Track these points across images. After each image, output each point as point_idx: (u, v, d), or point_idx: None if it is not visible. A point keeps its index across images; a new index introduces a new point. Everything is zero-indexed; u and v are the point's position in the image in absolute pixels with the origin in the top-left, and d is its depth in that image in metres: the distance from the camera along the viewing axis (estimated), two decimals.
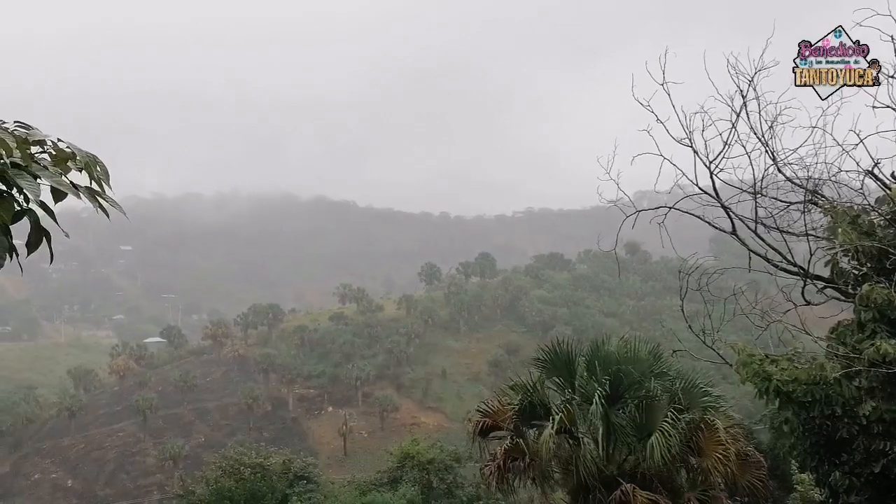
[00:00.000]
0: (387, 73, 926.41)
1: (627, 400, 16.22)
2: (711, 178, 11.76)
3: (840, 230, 11.55)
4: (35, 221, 4.05)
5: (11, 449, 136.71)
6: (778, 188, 12.07)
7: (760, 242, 12.09)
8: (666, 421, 15.17)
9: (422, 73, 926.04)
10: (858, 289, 11.30)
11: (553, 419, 15.61)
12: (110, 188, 4.24)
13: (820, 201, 12.17)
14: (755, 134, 11.48)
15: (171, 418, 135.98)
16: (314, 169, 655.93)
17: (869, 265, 11.72)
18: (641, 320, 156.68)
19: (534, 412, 16.79)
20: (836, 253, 11.92)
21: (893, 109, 10.66)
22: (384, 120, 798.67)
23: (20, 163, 3.90)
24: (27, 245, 4.13)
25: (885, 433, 11.22)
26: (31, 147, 4.05)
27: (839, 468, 11.79)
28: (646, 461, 15.30)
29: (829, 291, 12.34)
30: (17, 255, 4.07)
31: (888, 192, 11.83)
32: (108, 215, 4.22)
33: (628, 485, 15.05)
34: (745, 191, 11.97)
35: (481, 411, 17.86)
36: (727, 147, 11.45)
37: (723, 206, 11.98)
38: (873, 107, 10.93)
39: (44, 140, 4.13)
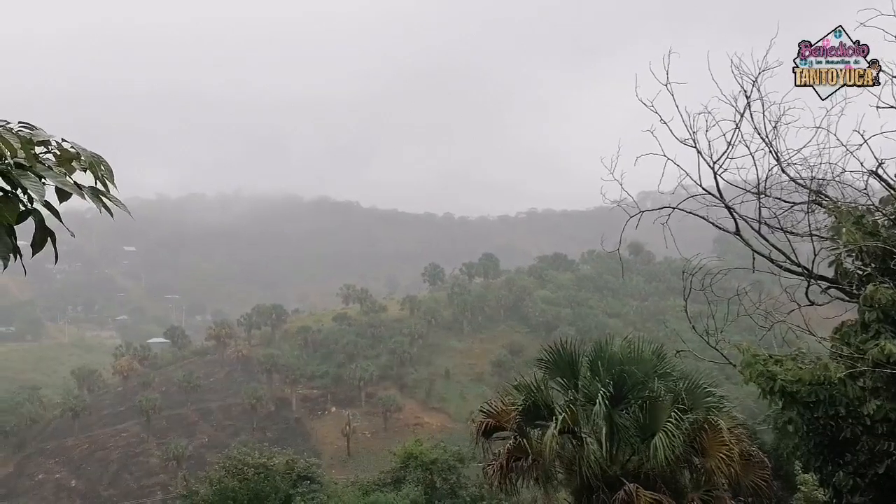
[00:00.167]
0: (387, 73, 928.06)
1: (631, 400, 16.21)
2: (715, 178, 11.75)
3: (844, 230, 11.53)
4: (40, 221, 4.05)
5: (15, 449, 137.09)
6: (782, 188, 12.06)
7: (764, 243, 12.08)
8: (669, 421, 15.15)
9: (422, 73, 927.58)
10: (862, 289, 11.28)
11: (556, 419, 15.60)
12: (115, 187, 4.25)
13: (824, 201, 12.15)
14: (759, 134, 11.48)
15: (175, 419, 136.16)
16: (315, 169, 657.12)
17: (873, 265, 11.69)
18: (645, 321, 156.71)
19: (537, 412, 16.78)
20: (840, 253, 11.90)
21: None
22: (384, 120, 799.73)
23: (24, 163, 3.91)
24: (32, 245, 4.14)
25: (889, 433, 11.20)
26: (36, 147, 4.06)
27: (843, 468, 11.76)
28: (649, 461, 15.29)
29: (833, 292, 12.31)
30: (21, 255, 4.08)
31: (892, 192, 11.81)
32: (112, 215, 4.23)
33: (632, 485, 15.03)
34: (748, 191, 11.96)
35: (485, 412, 17.85)
36: (731, 147, 11.45)
37: (726, 207, 11.97)
38: (877, 107, 10.92)
39: (48, 140, 4.14)
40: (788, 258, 12.09)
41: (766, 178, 11.76)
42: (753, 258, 11.96)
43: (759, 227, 12.04)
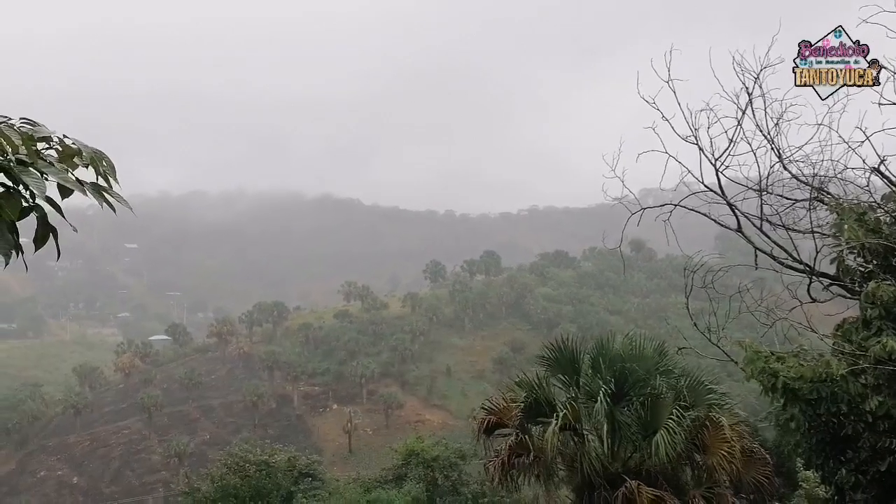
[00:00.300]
0: (387, 73, 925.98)
1: (632, 397, 16.20)
2: (717, 175, 11.75)
3: (846, 227, 11.52)
4: (42, 217, 4.05)
5: (17, 446, 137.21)
6: (784, 185, 12.06)
7: (766, 240, 12.08)
8: (671, 418, 15.15)
9: (422, 73, 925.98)
10: (864, 286, 11.27)
11: (558, 416, 15.60)
12: (117, 183, 4.25)
13: (826, 198, 12.14)
14: (761, 131, 11.47)
15: (177, 416, 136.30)
16: (316, 169, 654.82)
17: (875, 262, 11.69)
18: (646, 318, 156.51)
19: (539, 409, 16.77)
20: (842, 250, 11.89)
21: None
22: (384, 120, 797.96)
23: (26, 159, 3.91)
24: (34, 241, 4.14)
25: (891, 430, 11.19)
26: (37, 143, 4.06)
27: (845, 465, 11.77)
28: (651, 458, 15.29)
29: (834, 289, 12.31)
30: (23, 252, 4.08)
31: (894, 189, 11.80)
32: (114, 210, 4.23)
33: (633, 482, 15.03)
34: (750, 188, 11.96)
35: (486, 409, 17.86)
36: (733, 144, 11.45)
37: (728, 204, 11.97)
38: (879, 104, 10.91)
39: (50, 136, 4.13)
40: (790, 255, 12.09)
41: (768, 175, 11.77)
42: (755, 255, 11.96)
43: (761, 224, 12.04)
